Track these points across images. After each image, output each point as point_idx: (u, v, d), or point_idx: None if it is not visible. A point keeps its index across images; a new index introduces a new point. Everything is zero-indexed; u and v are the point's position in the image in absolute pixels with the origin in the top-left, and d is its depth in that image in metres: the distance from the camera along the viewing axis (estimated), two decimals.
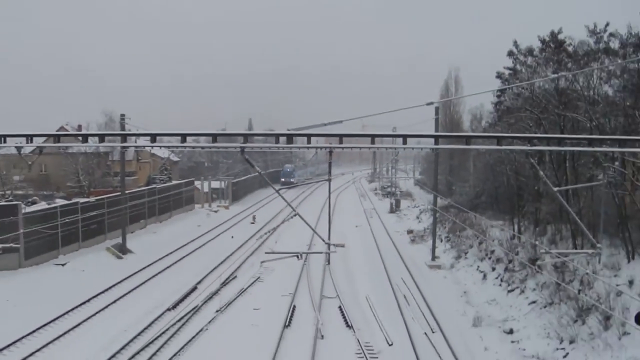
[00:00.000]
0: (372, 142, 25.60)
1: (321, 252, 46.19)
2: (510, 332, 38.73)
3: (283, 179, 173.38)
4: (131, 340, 37.97)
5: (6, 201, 72.10)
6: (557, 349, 33.90)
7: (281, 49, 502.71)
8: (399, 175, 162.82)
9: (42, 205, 70.87)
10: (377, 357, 35.04)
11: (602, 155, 35.35)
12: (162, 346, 37.30)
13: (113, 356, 34.88)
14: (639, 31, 43.97)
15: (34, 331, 39.09)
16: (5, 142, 27.64)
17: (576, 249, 44.12)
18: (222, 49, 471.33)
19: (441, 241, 71.10)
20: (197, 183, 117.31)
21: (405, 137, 25.09)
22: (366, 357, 34.60)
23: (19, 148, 28.19)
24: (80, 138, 30.67)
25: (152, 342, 37.68)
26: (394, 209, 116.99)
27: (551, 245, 48.72)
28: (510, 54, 60.48)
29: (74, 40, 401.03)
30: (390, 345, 37.48)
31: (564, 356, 32.76)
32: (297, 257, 49.46)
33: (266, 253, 49.73)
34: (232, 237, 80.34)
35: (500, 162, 62.99)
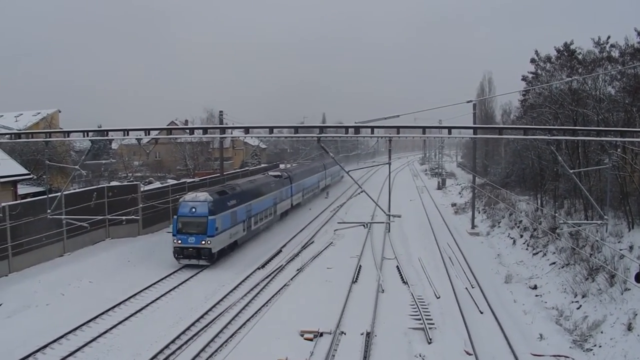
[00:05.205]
0: (423, 133, 25.72)
1: (382, 222, 46.24)
2: (535, 287, 38.43)
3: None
4: (229, 292, 38.81)
5: (128, 182, 73.50)
6: (572, 301, 33.64)
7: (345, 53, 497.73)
8: (444, 159, 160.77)
9: (157, 184, 72.06)
10: (428, 308, 34.93)
11: (607, 143, 34.90)
12: (254, 297, 37.99)
13: (214, 306, 35.69)
14: (634, 43, 44.11)
15: (153, 284, 40.43)
16: (128, 134, 28.49)
17: (587, 220, 43.67)
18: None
19: (479, 212, 70.45)
20: (281, 165, 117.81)
21: (450, 129, 25.16)
22: (419, 308, 34.49)
23: (139, 139, 28.98)
24: (187, 131, 31.06)
25: (246, 294, 38.38)
26: (441, 186, 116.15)
27: (567, 217, 48.17)
28: (533, 60, 60.60)
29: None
30: (438, 298, 37.51)
31: (578, 308, 32.47)
32: (364, 226, 49.77)
33: (338, 223, 49.83)
34: (310, 209, 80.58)
35: (526, 149, 62.24)
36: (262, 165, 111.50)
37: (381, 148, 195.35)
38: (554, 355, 27.34)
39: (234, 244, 50.52)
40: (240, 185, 56.45)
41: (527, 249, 48.04)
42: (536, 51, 60.13)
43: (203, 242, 44.61)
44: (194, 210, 45.02)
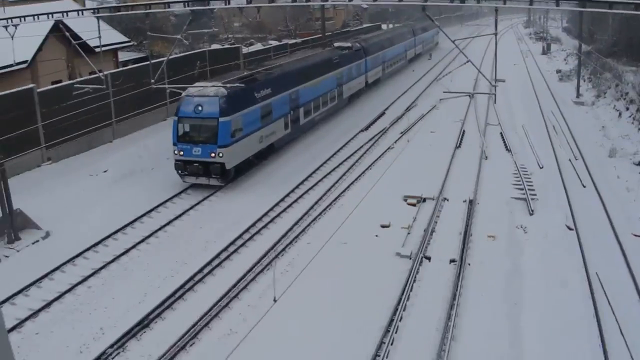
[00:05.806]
0: (530, 4, 25.23)
1: (487, 94, 45.73)
2: (639, 164, 37.50)
3: None
4: (338, 150, 40.50)
5: (229, 44, 73.93)
6: None
7: None
8: (549, 23, 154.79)
9: (258, 46, 72.41)
10: (530, 178, 34.80)
11: None
12: (359, 158, 39.23)
13: (331, 157, 37.43)
14: None
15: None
16: (229, 3, 28.54)
17: None
18: None
19: (584, 81, 68.24)
20: (383, 26, 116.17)
21: (558, 1, 24.43)
22: (522, 177, 34.44)
23: (240, 8, 29.20)
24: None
25: (349, 156, 39.41)
26: (545, 51, 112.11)
27: None
28: None
29: None
30: (541, 168, 37.33)
31: None
32: (469, 96, 49.22)
33: (444, 92, 49.46)
34: (413, 70, 79.97)
35: (636, 17, 59.35)
36: (364, 25, 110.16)
37: (484, 9, 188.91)
38: None
39: (268, 149, 37.76)
40: (283, 66, 43.05)
41: (632, 122, 46.54)
42: None
43: (213, 155, 31.51)
44: (199, 108, 31.95)
